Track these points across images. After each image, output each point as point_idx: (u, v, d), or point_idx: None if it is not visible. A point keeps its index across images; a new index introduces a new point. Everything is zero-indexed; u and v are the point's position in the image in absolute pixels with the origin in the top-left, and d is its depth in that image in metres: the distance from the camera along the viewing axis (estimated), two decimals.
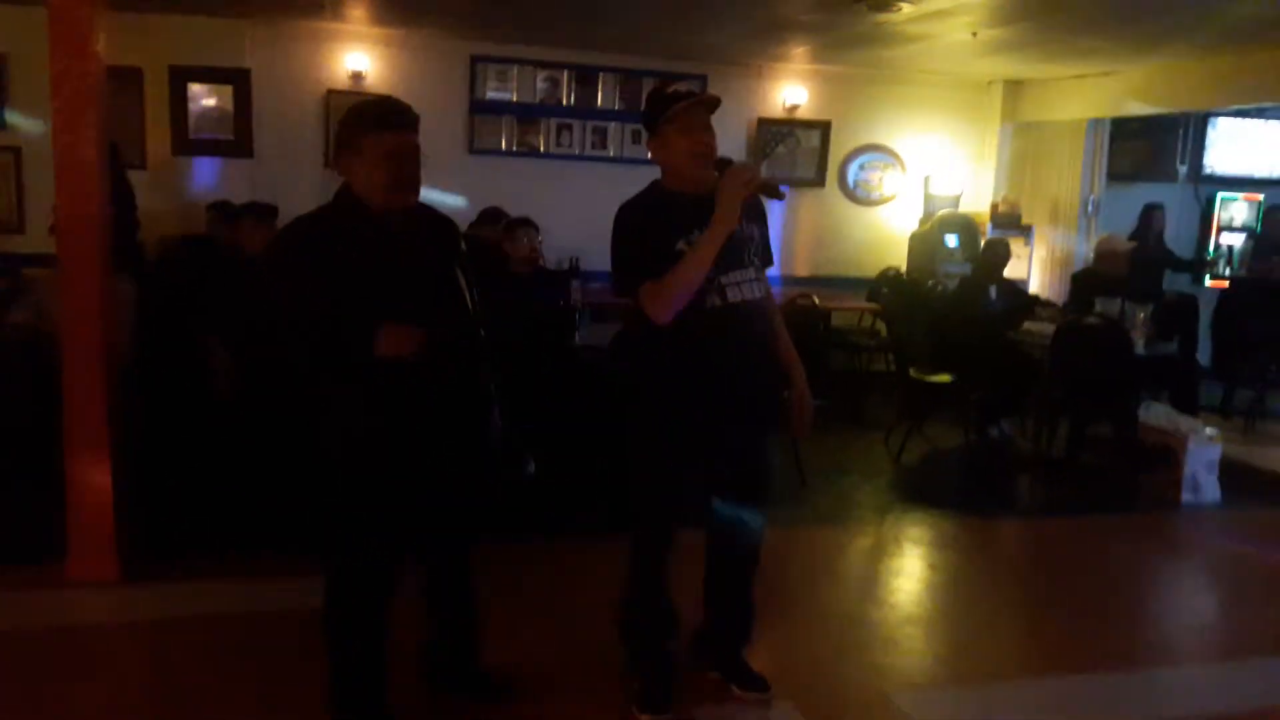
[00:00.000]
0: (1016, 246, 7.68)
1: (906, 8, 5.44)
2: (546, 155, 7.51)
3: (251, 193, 6.21)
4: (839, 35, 6.47)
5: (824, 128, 8.13)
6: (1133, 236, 7.38)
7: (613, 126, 7.58)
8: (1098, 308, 6.11)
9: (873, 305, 7.45)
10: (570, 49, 7.38)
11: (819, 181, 8.20)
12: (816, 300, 6.16)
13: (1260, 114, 8.76)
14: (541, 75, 7.44)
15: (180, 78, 6.77)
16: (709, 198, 2.64)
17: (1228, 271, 8.50)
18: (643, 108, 2.85)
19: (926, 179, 8.31)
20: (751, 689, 3.08)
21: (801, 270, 7.91)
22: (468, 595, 2.92)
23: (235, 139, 6.89)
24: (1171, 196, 8.33)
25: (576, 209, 6.79)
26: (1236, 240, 8.73)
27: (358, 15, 6.57)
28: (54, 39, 3.47)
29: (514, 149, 7.46)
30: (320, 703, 2.72)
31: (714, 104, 2.77)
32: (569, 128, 7.55)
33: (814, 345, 5.79)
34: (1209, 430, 5.61)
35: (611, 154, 7.59)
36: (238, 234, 5.42)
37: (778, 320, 3.01)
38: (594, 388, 4.89)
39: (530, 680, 3.10)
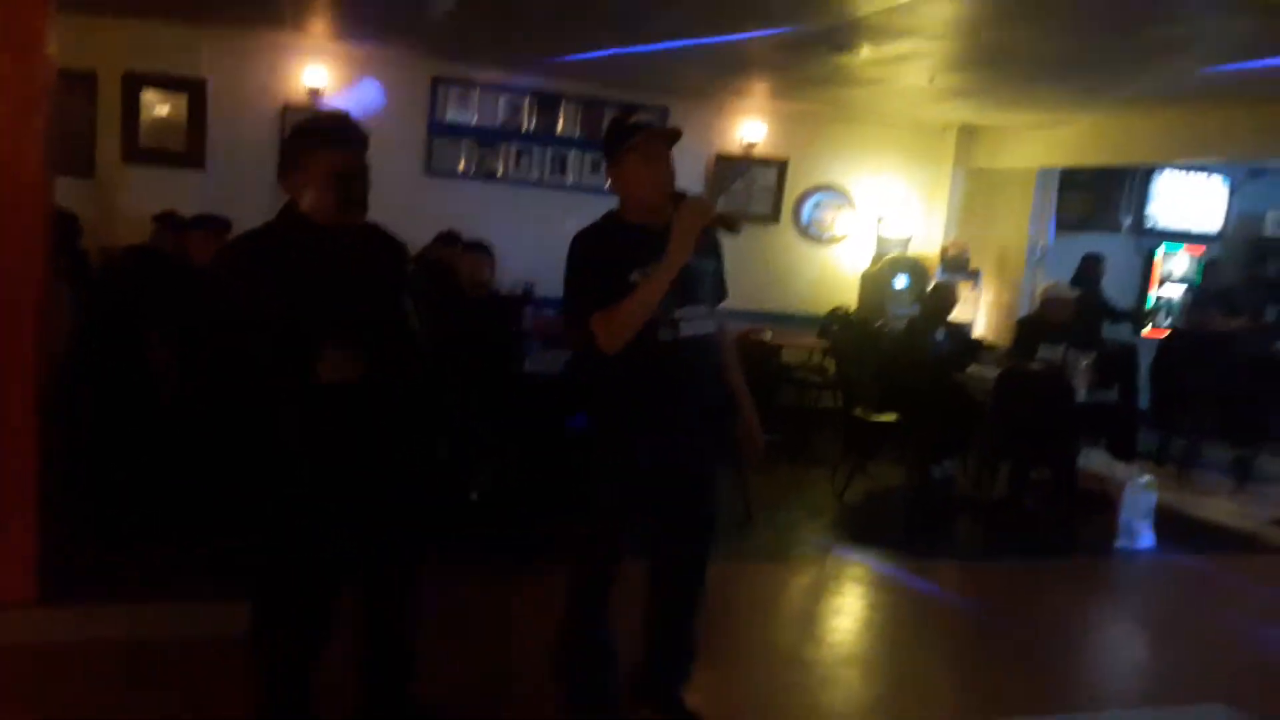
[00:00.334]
0: (964, 290, 7.83)
1: (867, 50, 5.52)
2: (505, 180, 7.50)
3: (201, 205, 6.09)
4: (799, 74, 6.56)
5: (780, 165, 8.22)
6: (1073, 284, 7.54)
7: (573, 154, 7.59)
8: (1041, 354, 6.22)
9: (822, 342, 7.52)
10: (532, 75, 7.39)
11: (774, 218, 8.28)
12: (769, 336, 6.20)
13: (1203, 169, 9.03)
14: (503, 99, 7.44)
15: (134, 84, 6.66)
16: (665, 230, 2.64)
17: (1168, 322, 8.72)
18: (604, 136, 2.84)
19: (879, 220, 8.44)
20: None
21: (754, 305, 7.94)
22: (404, 624, 2.84)
23: (187, 149, 6.78)
24: (1115, 247, 8.53)
25: (533, 235, 6.78)
26: (1176, 292, 8.96)
27: (319, 29, 6.52)
28: (0, 40, 3.39)
29: (472, 172, 7.43)
30: None
31: (675, 137, 2.78)
32: (528, 153, 7.55)
33: (764, 380, 5.82)
34: (1145, 478, 5.72)
35: (570, 181, 7.60)
36: (187, 246, 5.32)
37: (730, 355, 3.02)
38: (541, 414, 4.88)
39: (464, 712, 3.05)
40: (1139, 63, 5.36)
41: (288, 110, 6.93)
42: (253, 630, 2.60)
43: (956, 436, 6.25)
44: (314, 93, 6.96)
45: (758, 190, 8.21)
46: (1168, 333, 8.40)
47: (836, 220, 8.45)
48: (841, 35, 5.22)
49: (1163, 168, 8.83)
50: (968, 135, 8.44)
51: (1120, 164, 8.19)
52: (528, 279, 6.63)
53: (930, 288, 7.16)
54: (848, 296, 8.25)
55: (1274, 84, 5.63)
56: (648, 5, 5.07)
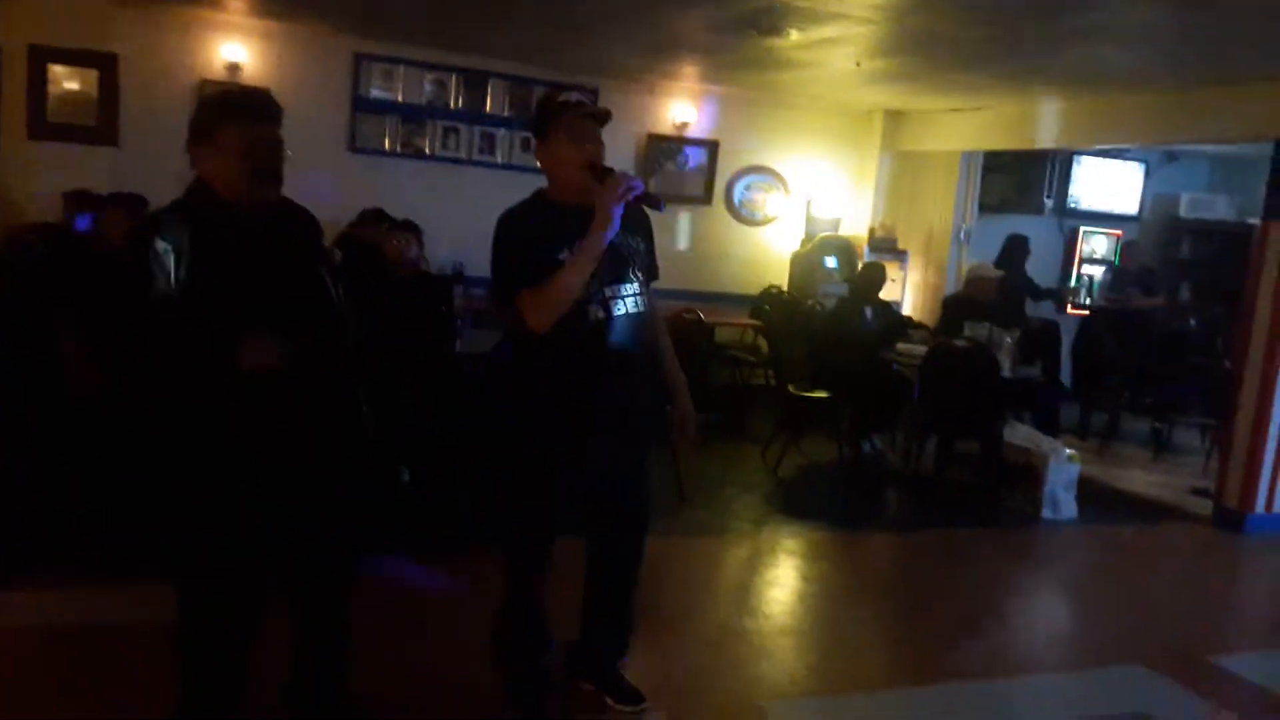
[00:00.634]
0: (892, 270, 7.92)
1: (795, 34, 5.54)
2: (432, 158, 7.38)
3: (114, 183, 5.89)
4: (729, 57, 6.56)
5: (712, 147, 8.22)
6: (997, 264, 7.69)
7: (501, 133, 7.50)
8: (966, 331, 6.33)
9: (755, 322, 7.56)
10: (460, 53, 7.27)
11: (706, 200, 8.29)
12: (701, 315, 6.21)
13: (1120, 155, 9.28)
14: (429, 77, 7.31)
15: (41, 58, 6.38)
16: (592, 208, 2.60)
17: (1088, 301, 8.94)
18: (532, 114, 2.80)
19: (808, 202, 8.50)
20: (626, 702, 3.04)
21: (687, 285, 7.95)
22: (337, 618, 2.73)
23: (99, 125, 6.53)
24: (1037, 228, 8.71)
25: (462, 214, 6.67)
26: (1096, 272, 9.20)
27: (236, 5, 6.33)
28: None
29: (398, 150, 7.30)
30: None
31: (604, 116, 2.75)
32: (456, 131, 7.43)
33: (697, 359, 5.83)
34: (1068, 450, 5.86)
35: (500, 160, 7.51)
36: (103, 225, 5.12)
37: (662, 334, 3.00)
38: (473, 396, 4.81)
39: (401, 703, 2.99)
40: (1057, 49, 5.47)
41: (205, 86, 6.70)
42: (180, 619, 2.51)
43: (885, 412, 6.34)
44: (232, 68, 6.76)
45: (689, 171, 8.21)
46: (1088, 311, 8.63)
47: (767, 201, 8.49)
48: (770, 18, 5.23)
49: (1083, 152, 9.05)
50: (894, 119, 8.54)
51: (1041, 148, 8.37)
52: (457, 258, 6.54)
53: (859, 268, 7.25)
54: (779, 276, 8.31)
55: (1185, 71, 5.80)
56: None
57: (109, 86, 6.53)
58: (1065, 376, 7.63)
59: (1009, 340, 6.18)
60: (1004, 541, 5.44)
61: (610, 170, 2.66)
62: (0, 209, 5.88)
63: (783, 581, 4.61)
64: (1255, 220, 6.75)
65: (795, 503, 5.65)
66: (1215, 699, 3.65)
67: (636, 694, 3.05)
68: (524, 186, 2.86)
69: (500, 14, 5.82)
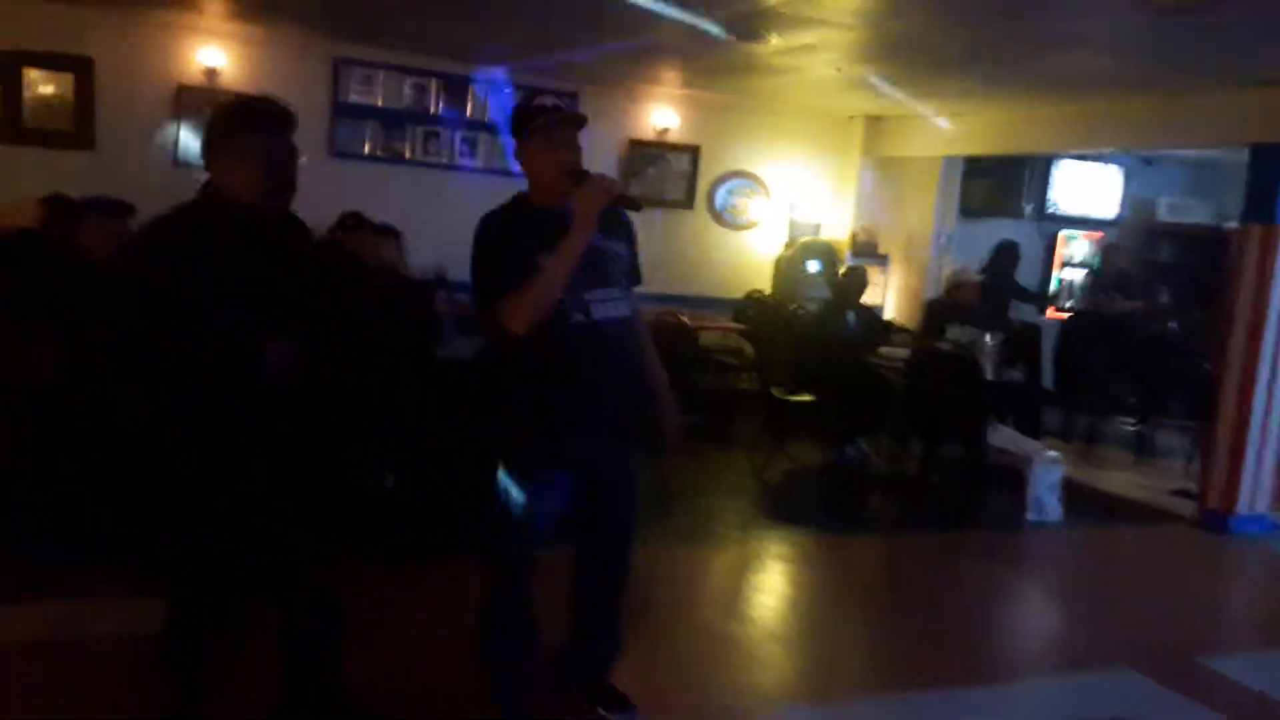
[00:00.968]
0: (874, 274, 7.94)
1: (775, 40, 5.54)
2: (413, 162, 7.33)
3: (91, 187, 5.80)
4: (710, 62, 6.55)
5: (694, 152, 8.22)
6: (984, 269, 7.72)
7: (482, 137, 7.45)
8: (949, 335, 6.34)
9: (739, 325, 7.54)
10: (440, 58, 7.23)
11: (688, 204, 8.27)
12: (685, 319, 6.19)
13: (1098, 158, 9.34)
14: (409, 82, 7.26)
15: (15, 62, 6.30)
16: (572, 212, 2.59)
17: (1069, 304, 8.99)
18: (509, 119, 2.79)
19: (791, 206, 8.51)
20: (614, 709, 3.00)
21: (670, 289, 7.94)
22: (329, 619, 2.68)
23: (75, 130, 6.44)
24: (1018, 233, 8.73)
25: (444, 218, 6.60)
26: (1078, 275, 9.24)
27: (213, 9, 6.26)
28: None
29: (379, 154, 7.24)
30: None
31: (579, 121, 2.76)
32: (436, 135, 7.39)
33: (680, 363, 5.80)
34: (1052, 453, 5.88)
35: (480, 165, 7.46)
36: (80, 231, 5.03)
37: (646, 339, 2.97)
38: (456, 400, 4.77)
39: (391, 704, 2.96)
40: (1034, 55, 5.50)
41: (182, 91, 6.64)
42: (171, 628, 2.47)
43: (870, 415, 6.34)
44: (210, 73, 6.69)
45: (672, 176, 8.19)
46: (1070, 314, 8.66)
47: (749, 206, 8.49)
48: (749, 24, 5.23)
49: (1061, 156, 9.10)
50: (874, 124, 8.57)
51: (1020, 153, 8.41)
52: (439, 262, 6.49)
53: (842, 272, 7.25)
54: (762, 280, 8.31)
55: (1161, 76, 5.84)
56: None
57: (85, 91, 6.44)
58: (1047, 379, 7.65)
59: (991, 343, 6.20)
60: (989, 545, 5.44)
61: (587, 173, 2.65)
62: None
63: (770, 587, 4.59)
64: (1233, 224, 6.80)
65: (781, 507, 5.64)
66: (1204, 702, 3.64)
67: (626, 701, 3.02)
68: (506, 190, 2.83)
69: (480, 19, 5.79)
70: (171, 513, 2.47)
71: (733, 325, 7.63)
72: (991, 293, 7.40)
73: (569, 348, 2.66)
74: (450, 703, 3.05)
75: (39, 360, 4.43)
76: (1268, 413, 5.71)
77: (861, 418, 6.31)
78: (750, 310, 7.62)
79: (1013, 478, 5.79)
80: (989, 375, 6.06)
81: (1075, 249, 9.57)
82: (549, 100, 2.77)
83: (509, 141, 2.79)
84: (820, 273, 8.05)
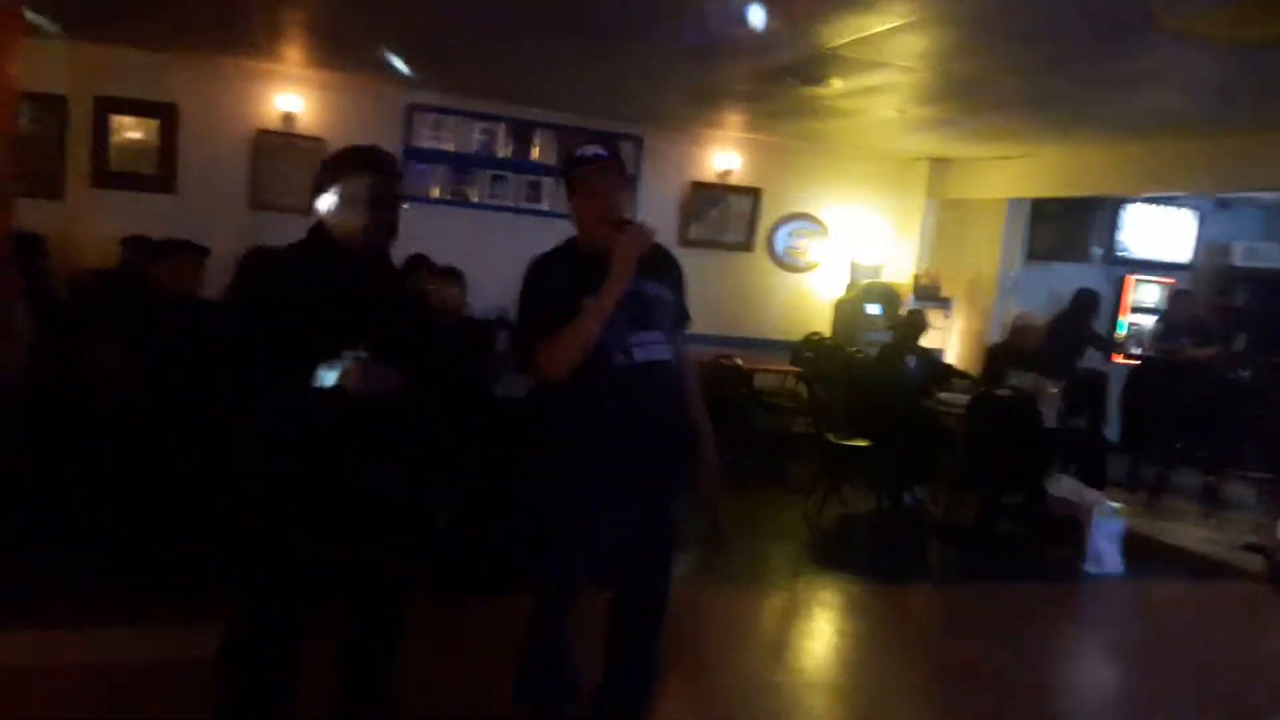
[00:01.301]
0: (936, 318, 7.89)
1: (837, 83, 5.59)
2: (479, 206, 7.51)
3: (171, 230, 6.06)
4: (772, 106, 6.63)
5: (754, 194, 8.28)
6: (1062, 315, 7.60)
7: (547, 181, 7.61)
8: (1011, 381, 6.25)
9: (796, 368, 7.54)
10: (507, 103, 7.42)
11: (748, 246, 8.32)
12: (740, 361, 6.22)
13: (1170, 201, 9.16)
14: (478, 127, 7.47)
15: (104, 109, 6.64)
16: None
17: (1137, 351, 8.79)
18: (559, 167, 2.89)
19: (852, 248, 8.50)
20: None
21: (729, 331, 7.98)
22: (387, 650, 2.78)
23: (158, 174, 6.76)
24: (1086, 277, 8.61)
25: (508, 261, 6.73)
26: (1147, 321, 9.05)
27: (292, 56, 6.54)
28: None
29: (447, 198, 7.44)
30: None
31: (620, 170, 2.84)
32: (503, 180, 7.57)
33: (734, 404, 5.82)
34: (1113, 503, 5.75)
35: (545, 208, 7.61)
36: (161, 271, 5.27)
37: (691, 382, 3.01)
38: (513, 440, 4.85)
39: None
40: (1103, 95, 5.45)
41: (261, 135, 6.92)
42: (229, 650, 2.57)
43: (927, 461, 6.27)
44: (288, 118, 6.96)
45: (732, 218, 8.26)
46: (1138, 361, 8.47)
47: (810, 248, 8.50)
48: (811, 68, 5.29)
49: (1131, 200, 8.95)
50: (940, 166, 8.54)
51: (1088, 195, 8.29)
52: (501, 304, 6.62)
53: (902, 315, 7.21)
54: (821, 323, 8.29)
55: (1234, 117, 5.74)
56: (621, 38, 5.13)
57: (168, 136, 6.76)
58: (1113, 427, 7.48)
59: (1053, 390, 6.10)
60: (1047, 596, 5.33)
61: (629, 222, 2.74)
62: (66, 253, 6.08)
63: (817, 634, 4.56)
64: None
65: (833, 553, 5.60)
66: None
67: None
68: (569, 234, 2.93)
69: (545, 64, 5.95)
70: (241, 531, 2.56)
71: (790, 368, 7.62)
72: (1063, 339, 7.29)
73: (610, 390, 2.71)
74: None
75: (118, 374, 4.65)
76: None
77: (918, 464, 6.24)
78: (808, 353, 7.61)
79: (1073, 528, 5.67)
80: (1051, 423, 5.96)
81: (1145, 294, 9.36)
82: (591, 150, 2.84)
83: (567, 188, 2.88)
84: (880, 315, 8.01)
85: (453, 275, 5.51)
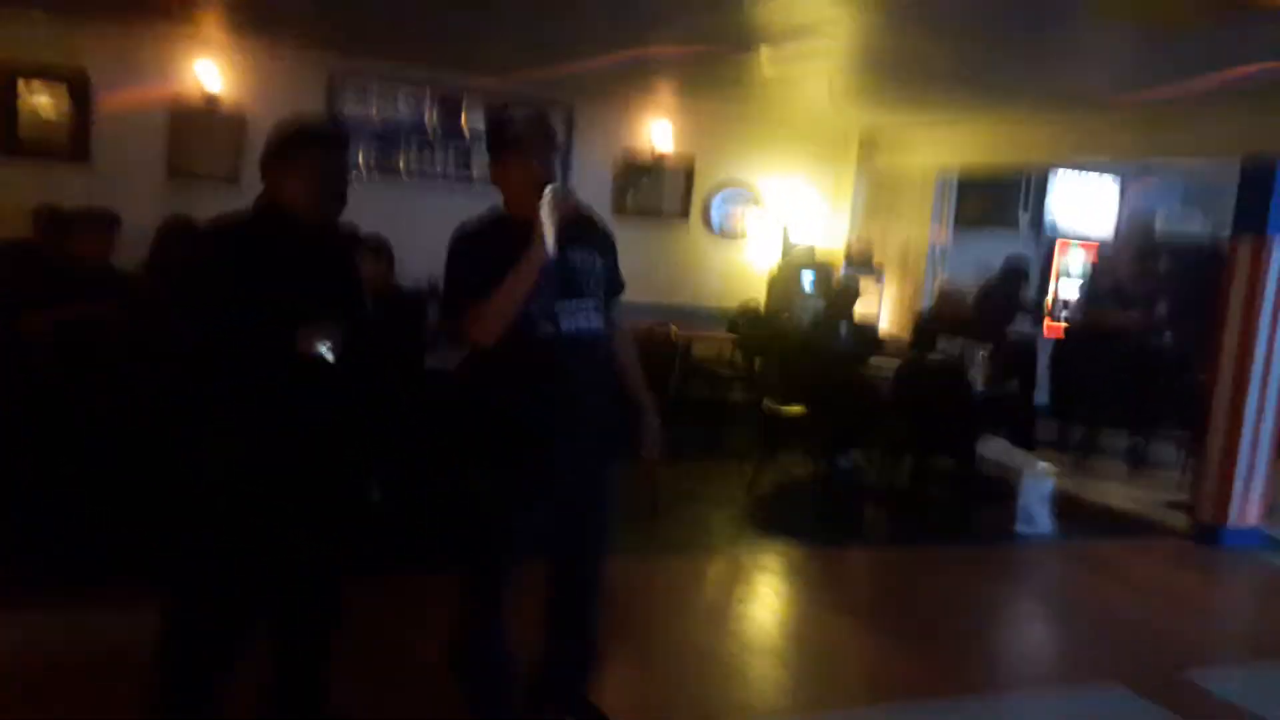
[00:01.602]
0: (868, 286, 7.95)
1: (765, 50, 5.56)
2: (408, 177, 7.34)
3: (87, 200, 5.83)
4: (703, 73, 6.58)
5: (688, 163, 8.23)
6: (992, 282, 7.72)
7: (476, 149, 7.45)
8: (940, 347, 6.33)
9: (732, 337, 7.54)
10: (433, 70, 7.25)
11: (683, 215, 8.29)
12: (675, 329, 6.19)
13: (1095, 170, 9.34)
14: (403, 95, 7.28)
15: (9, 75, 6.33)
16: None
17: (1064, 317, 8.98)
18: (485, 133, 2.84)
19: (785, 218, 8.51)
20: None
21: (663, 300, 7.95)
22: (323, 633, 2.76)
23: (70, 142, 6.47)
24: (1014, 245, 8.74)
25: (438, 232, 6.61)
26: (1073, 288, 9.24)
27: (208, 22, 6.29)
28: None
29: (373, 166, 7.26)
30: None
31: (550, 137, 2.80)
32: (430, 150, 7.41)
33: (668, 372, 5.79)
34: (1043, 465, 5.86)
35: (476, 176, 7.47)
36: (72, 241, 5.06)
37: (627, 349, 2.97)
38: (443, 413, 4.77)
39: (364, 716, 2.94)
40: (1027, 67, 5.51)
41: (178, 104, 6.67)
42: (167, 636, 2.52)
43: (860, 427, 6.32)
44: (205, 86, 6.71)
45: (666, 187, 8.20)
46: (1064, 327, 8.66)
47: (744, 217, 8.49)
48: (739, 35, 5.24)
49: (1057, 169, 9.10)
50: (870, 137, 8.58)
51: (1015, 165, 8.42)
52: (432, 275, 6.49)
53: (835, 284, 7.26)
54: (756, 291, 8.30)
55: (1153, 87, 5.84)
56: (546, 6, 5.03)
57: (80, 104, 6.47)
58: (1043, 392, 7.64)
59: (983, 355, 6.19)
60: (980, 557, 5.43)
61: (552, 187, 2.67)
62: None
63: (757, 600, 4.58)
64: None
65: (771, 519, 5.63)
66: (1190, 716, 3.63)
67: (602, 717, 3.00)
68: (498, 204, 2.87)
69: (473, 27, 5.81)
70: (187, 510, 2.54)
71: (726, 337, 7.62)
72: (993, 306, 7.40)
73: (537, 359, 2.67)
74: (427, 715, 3.02)
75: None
76: (1259, 423, 5.70)
77: (852, 429, 6.28)
78: (742, 321, 7.62)
79: (1004, 490, 5.77)
80: (980, 387, 6.05)
81: (1071, 261, 9.56)
82: (521, 114, 2.80)
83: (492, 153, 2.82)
84: (813, 285, 8.06)
85: (380, 247, 5.37)
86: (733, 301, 8.11)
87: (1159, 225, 9.62)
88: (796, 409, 6.04)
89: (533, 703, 3.03)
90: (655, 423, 2.96)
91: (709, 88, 7.19)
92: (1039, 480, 5.75)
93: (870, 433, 6.35)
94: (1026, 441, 6.45)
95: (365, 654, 3.40)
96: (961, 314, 6.86)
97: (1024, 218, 9.31)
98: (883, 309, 8.60)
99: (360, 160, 7.21)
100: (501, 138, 2.74)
